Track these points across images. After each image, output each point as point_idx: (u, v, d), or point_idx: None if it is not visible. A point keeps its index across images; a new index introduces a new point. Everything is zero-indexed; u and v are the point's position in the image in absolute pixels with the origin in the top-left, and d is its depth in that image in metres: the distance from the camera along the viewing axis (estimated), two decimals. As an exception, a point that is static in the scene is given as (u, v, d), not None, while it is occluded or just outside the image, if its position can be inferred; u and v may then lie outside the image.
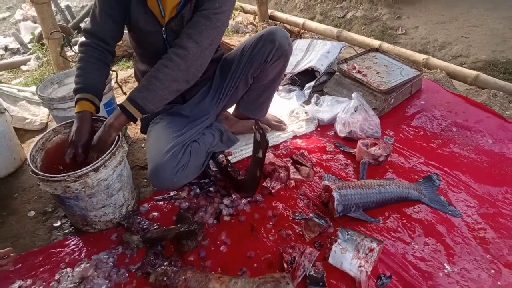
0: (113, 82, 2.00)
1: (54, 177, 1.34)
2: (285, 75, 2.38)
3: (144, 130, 1.83)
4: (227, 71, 1.77)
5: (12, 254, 1.02)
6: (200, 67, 1.52)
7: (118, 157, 1.46)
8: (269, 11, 3.74)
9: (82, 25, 4.78)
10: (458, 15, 4.12)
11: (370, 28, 4.29)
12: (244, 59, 1.70)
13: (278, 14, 3.71)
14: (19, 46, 5.22)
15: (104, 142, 1.44)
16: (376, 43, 2.77)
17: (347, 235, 1.39)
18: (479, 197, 1.62)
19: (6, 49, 5.35)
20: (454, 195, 1.64)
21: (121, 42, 3.05)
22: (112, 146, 1.43)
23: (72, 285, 1.34)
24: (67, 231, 1.59)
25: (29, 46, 4.78)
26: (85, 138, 1.45)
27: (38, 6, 2.26)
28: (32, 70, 3.53)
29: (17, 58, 4.08)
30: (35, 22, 6.31)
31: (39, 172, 1.37)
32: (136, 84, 1.84)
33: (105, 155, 1.39)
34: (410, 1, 4.45)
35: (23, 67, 3.71)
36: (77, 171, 1.35)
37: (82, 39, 1.59)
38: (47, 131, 1.59)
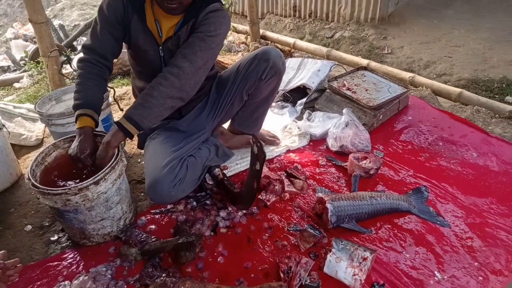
0: (110, 98, 2.05)
1: (55, 190, 1.37)
2: (277, 92, 2.45)
3: (141, 146, 1.86)
4: (223, 88, 1.83)
5: (19, 265, 1.04)
6: (194, 86, 1.58)
7: (117, 170, 1.49)
8: (261, 31, 3.86)
9: (75, 43, 4.85)
10: (441, 36, 4.30)
11: (358, 47, 4.43)
12: (240, 76, 1.77)
13: (270, 34, 3.83)
14: (9, 64, 5.24)
15: (103, 159, 1.48)
16: (364, 62, 2.88)
17: (341, 244, 1.43)
18: (466, 208, 1.69)
19: (-4, 67, 5.35)
20: (442, 206, 1.71)
21: (116, 60, 3.11)
22: (112, 160, 1.47)
23: (70, 298, 1.35)
24: (64, 244, 1.60)
25: (21, 63, 4.82)
26: (89, 151, 1.48)
27: (37, 25, 2.31)
28: (25, 87, 3.56)
29: (10, 75, 4.10)
30: (26, 41, 6.36)
31: (40, 186, 1.39)
32: (133, 100, 1.89)
33: (105, 168, 1.43)
34: (395, 23, 4.63)
35: (16, 85, 3.74)
36: (77, 185, 1.38)
37: (81, 55, 1.63)
38: (46, 146, 1.61)
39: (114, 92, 2.05)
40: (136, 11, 1.55)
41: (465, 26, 4.42)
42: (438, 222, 1.63)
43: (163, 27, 1.58)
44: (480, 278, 1.39)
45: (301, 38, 4.82)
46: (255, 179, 1.48)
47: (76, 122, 1.53)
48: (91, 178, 1.39)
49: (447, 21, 4.55)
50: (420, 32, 4.44)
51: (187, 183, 1.65)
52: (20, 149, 2.20)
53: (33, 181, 1.42)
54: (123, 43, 1.68)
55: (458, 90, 2.49)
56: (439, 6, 4.92)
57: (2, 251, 1.01)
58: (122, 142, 1.61)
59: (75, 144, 1.49)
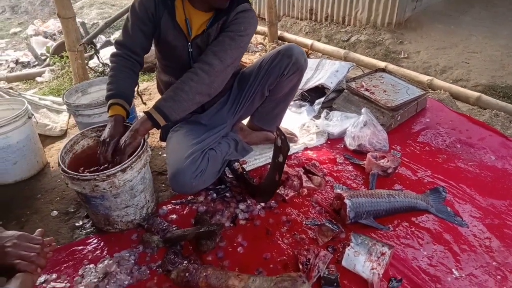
0: (134, 92, 2.10)
1: (84, 176, 1.42)
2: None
3: (163, 138, 1.91)
4: (245, 84, 1.87)
5: (53, 243, 1.08)
6: (221, 82, 1.65)
7: (143, 160, 1.54)
8: (278, 32, 3.90)
9: (95, 40, 4.95)
10: (458, 42, 4.29)
11: (374, 51, 4.44)
12: (262, 72, 1.81)
13: (287, 35, 3.87)
14: (29, 59, 5.38)
15: (129, 145, 1.53)
16: (382, 64, 2.90)
17: (360, 239, 1.46)
18: (484, 209, 1.70)
19: (17, 62, 5.50)
20: (460, 206, 1.72)
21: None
22: (138, 149, 1.52)
23: (95, 280, 1.40)
24: (88, 230, 1.65)
25: (42, 59, 4.94)
26: (118, 137, 1.53)
27: (64, 20, 2.38)
28: (48, 81, 3.66)
29: (33, 70, 4.21)
30: (46, 38, 6.51)
31: (70, 171, 1.45)
32: (154, 94, 1.95)
33: (132, 157, 1.48)
34: (411, 28, 4.63)
35: (38, 79, 3.84)
36: (106, 171, 1.42)
37: (114, 50, 1.70)
38: (75, 134, 1.67)
39: (138, 86, 2.11)
40: (166, 8, 1.60)
41: (483, 32, 4.41)
42: (456, 222, 1.64)
43: (193, 24, 1.63)
44: (499, 277, 1.40)
45: (317, 41, 4.86)
46: (277, 172, 1.51)
47: (108, 111, 1.58)
48: (118, 166, 1.44)
49: (464, 27, 4.54)
50: (437, 38, 4.44)
51: (208, 175, 1.69)
52: (45, 139, 2.27)
53: (63, 167, 1.47)
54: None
55: (476, 94, 2.50)
56: (457, 12, 4.91)
57: (40, 229, 1.06)
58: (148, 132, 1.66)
59: (106, 129, 1.54)
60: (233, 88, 1.91)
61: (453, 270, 1.43)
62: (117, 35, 5.67)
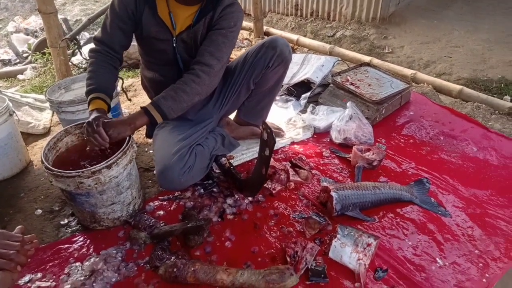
0: (119, 88, 2.08)
1: (69, 173, 1.40)
2: (282, 85, 2.50)
3: (149, 134, 1.90)
4: (230, 77, 1.87)
5: (35, 241, 1.07)
6: (218, 81, 1.68)
7: (128, 156, 1.53)
8: (264, 27, 3.90)
9: (78, 37, 4.86)
10: (441, 36, 4.35)
11: (359, 46, 4.47)
12: (247, 65, 1.81)
13: (273, 30, 3.88)
14: (10, 57, 5.26)
15: (119, 133, 1.48)
16: (367, 58, 2.93)
17: (346, 230, 1.48)
18: (466, 199, 1.74)
19: (-3, 60, 5.37)
20: (444, 197, 1.76)
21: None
22: (124, 145, 1.50)
23: (82, 278, 1.38)
24: (74, 228, 1.64)
25: (24, 56, 4.83)
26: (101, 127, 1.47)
27: (45, 15, 2.33)
28: (30, 79, 3.58)
29: (13, 67, 4.11)
30: (27, 35, 6.37)
31: (54, 169, 1.42)
32: (139, 91, 1.93)
33: (117, 153, 1.46)
34: (395, 23, 4.68)
35: (19, 76, 3.75)
36: (90, 168, 1.41)
37: (92, 46, 1.67)
38: (58, 131, 1.64)
39: (123, 82, 2.10)
40: (147, 4, 1.59)
41: (465, 27, 4.48)
42: (440, 212, 1.67)
43: (178, 19, 1.62)
44: (481, 264, 1.43)
45: (303, 36, 4.87)
46: (263, 165, 1.52)
47: (88, 105, 1.56)
48: (103, 162, 1.43)
49: (447, 22, 4.61)
50: (420, 32, 4.49)
51: (196, 171, 1.69)
52: (28, 137, 2.23)
53: (46, 164, 1.45)
54: (133, 36, 1.71)
55: (459, 87, 2.55)
56: (439, 7, 4.98)
57: (19, 226, 1.04)
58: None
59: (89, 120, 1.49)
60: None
61: (437, 259, 1.46)
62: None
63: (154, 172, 1.72)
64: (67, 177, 1.40)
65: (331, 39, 4.83)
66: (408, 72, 2.77)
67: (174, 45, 1.66)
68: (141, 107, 1.55)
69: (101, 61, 1.64)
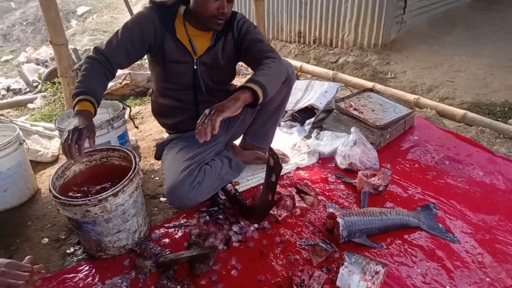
0: (126, 116, 2.12)
1: (76, 201, 1.41)
2: (286, 111, 2.53)
3: (159, 156, 1.91)
4: None
5: (43, 271, 1.07)
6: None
7: (134, 183, 1.54)
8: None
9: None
10: (443, 61, 4.42)
11: (361, 72, 4.55)
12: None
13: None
14: (21, 86, 5.40)
15: (225, 112, 1.44)
16: (369, 84, 2.97)
17: (354, 258, 1.46)
18: (475, 225, 1.72)
19: (8, 89, 5.52)
20: (451, 223, 1.74)
21: (129, 81, 3.22)
22: (130, 173, 1.52)
23: (87, 308, 1.37)
24: (80, 257, 1.63)
25: (34, 85, 4.96)
26: (91, 129, 1.41)
27: (57, 47, 2.42)
28: (39, 108, 3.66)
29: (24, 96, 4.22)
30: (38, 65, 6.57)
31: (61, 197, 1.44)
32: (150, 116, 1.98)
33: (123, 181, 1.48)
34: (397, 49, 4.77)
35: (29, 105, 3.85)
36: (97, 196, 1.42)
37: (91, 54, 1.65)
38: (66, 160, 1.66)
39: (130, 110, 2.13)
40: (168, 30, 1.67)
41: (466, 52, 4.55)
42: (448, 238, 1.65)
43: (197, 44, 1.71)
44: (493, 293, 1.40)
45: (306, 63, 4.97)
46: (270, 191, 1.52)
47: (74, 107, 1.48)
48: (110, 190, 1.44)
49: (447, 48, 4.69)
50: (422, 58, 4.57)
51: (204, 188, 1.71)
52: (36, 165, 2.26)
53: (54, 193, 1.46)
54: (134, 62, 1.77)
55: (462, 111, 2.57)
56: (440, 33, 5.08)
57: (29, 256, 1.05)
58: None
59: (75, 121, 1.40)
60: None
61: (447, 287, 1.43)
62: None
63: (163, 193, 1.73)
64: (74, 206, 1.41)
65: (334, 65, 4.92)
66: (411, 97, 2.80)
67: (195, 67, 1.73)
68: (239, 86, 1.55)
69: (96, 68, 1.61)
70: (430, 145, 2.30)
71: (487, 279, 1.45)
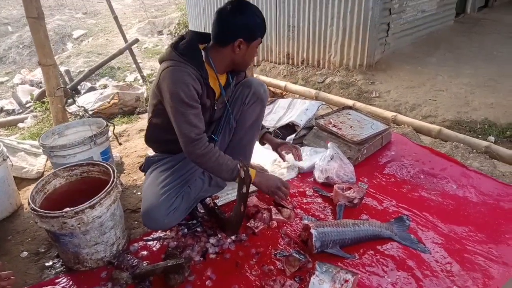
0: (110, 133, 2.18)
1: (53, 213, 1.46)
2: (268, 128, 2.60)
3: (144, 169, 1.96)
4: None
5: (12, 277, 1.10)
6: None
7: (112, 196, 1.59)
8: (255, 75, 4.10)
9: (79, 87, 5.10)
10: (426, 81, 4.55)
11: (347, 91, 4.66)
12: (228, 105, 1.92)
13: (262, 78, 4.08)
14: (14, 107, 5.48)
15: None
16: (350, 102, 3.07)
17: (324, 267, 1.50)
18: (446, 235, 1.77)
19: (1, 110, 5.59)
20: (423, 233, 1.79)
21: (117, 100, 3.30)
22: (108, 186, 1.57)
23: (61, 319, 1.39)
24: (58, 270, 1.65)
25: (27, 106, 5.03)
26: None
27: (45, 67, 2.50)
28: (29, 127, 3.72)
29: (16, 116, 4.29)
30: (32, 86, 6.66)
31: (38, 209, 1.48)
32: (135, 135, 2.02)
33: (100, 193, 1.53)
34: (381, 69, 4.90)
35: (20, 125, 3.91)
36: (74, 208, 1.46)
37: (197, 138, 1.67)
38: (47, 174, 1.72)
39: (114, 127, 2.19)
40: (205, 82, 1.70)
41: (448, 72, 4.69)
42: (419, 249, 1.69)
43: (215, 86, 1.79)
44: (458, 300, 1.44)
45: (295, 83, 5.09)
46: (242, 203, 1.57)
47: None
48: (87, 203, 1.49)
49: (430, 68, 4.83)
50: (405, 78, 4.70)
51: (180, 212, 1.75)
52: (21, 181, 2.30)
53: (33, 205, 1.51)
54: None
55: (437, 127, 2.65)
56: (423, 54, 5.24)
57: None
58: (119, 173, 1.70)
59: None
60: None
61: (416, 295, 1.47)
62: (102, 82, 5.85)
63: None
64: (51, 218, 1.45)
65: (321, 85, 5.04)
66: (389, 114, 2.90)
67: (215, 107, 1.83)
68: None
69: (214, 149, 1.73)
70: (406, 160, 2.37)
71: (454, 287, 1.50)
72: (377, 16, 4.55)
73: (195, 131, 1.66)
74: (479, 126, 3.66)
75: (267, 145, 2.51)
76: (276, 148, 2.13)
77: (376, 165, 2.34)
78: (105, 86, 5.00)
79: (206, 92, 1.73)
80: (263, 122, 2.53)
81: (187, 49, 1.67)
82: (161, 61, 1.72)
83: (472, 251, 1.67)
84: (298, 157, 2.07)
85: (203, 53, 1.72)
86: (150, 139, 1.97)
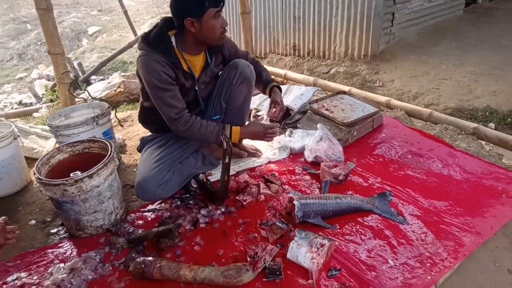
0: (112, 114, 2.33)
1: (55, 181, 1.61)
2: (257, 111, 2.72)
3: (140, 149, 2.11)
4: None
5: (17, 232, 1.25)
6: None
7: (109, 168, 1.73)
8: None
9: (91, 79, 5.31)
10: (430, 70, 4.57)
11: (351, 81, 4.73)
12: (217, 86, 2.07)
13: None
14: (32, 101, 5.75)
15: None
16: (346, 88, 3.14)
17: (304, 234, 1.60)
18: (425, 209, 1.84)
19: (20, 103, 5.88)
20: (404, 207, 1.87)
21: (123, 89, 3.47)
22: (105, 159, 1.71)
23: (62, 276, 1.54)
24: (62, 236, 1.81)
25: (42, 98, 5.28)
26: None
27: (54, 56, 2.67)
28: (43, 116, 3.93)
29: (31, 107, 4.51)
30: (48, 80, 6.94)
31: (42, 178, 1.64)
32: (138, 120, 2.18)
33: (98, 164, 1.67)
34: (386, 59, 4.94)
35: (35, 114, 4.12)
36: (73, 177, 1.61)
37: (177, 118, 1.83)
38: (51, 149, 1.87)
39: (116, 110, 2.34)
40: (177, 66, 1.84)
41: (452, 61, 4.70)
42: (398, 220, 1.78)
43: (194, 67, 1.92)
44: (428, 264, 1.52)
45: (300, 73, 5.18)
46: (225, 172, 1.69)
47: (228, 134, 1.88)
48: (85, 172, 1.63)
49: (435, 57, 4.84)
50: (410, 67, 4.73)
51: (171, 185, 1.89)
52: (32, 161, 2.47)
53: (38, 175, 1.66)
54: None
55: (428, 110, 2.71)
56: (429, 44, 5.24)
57: (3, 217, 1.23)
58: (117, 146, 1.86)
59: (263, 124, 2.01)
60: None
61: (389, 260, 1.56)
62: (114, 76, 6.06)
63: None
64: (53, 185, 1.60)
65: (325, 75, 5.11)
66: (383, 99, 2.96)
67: (196, 88, 1.96)
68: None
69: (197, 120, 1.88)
70: (396, 141, 2.44)
71: (426, 253, 1.58)
72: (380, 5, 4.58)
73: (174, 111, 1.82)
74: (480, 114, 3.69)
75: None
76: (272, 101, 2.18)
77: (366, 146, 2.42)
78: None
79: (182, 74, 1.86)
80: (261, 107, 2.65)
81: (155, 38, 1.82)
82: (137, 50, 1.89)
83: (448, 223, 1.74)
84: (272, 114, 2.09)
85: (173, 40, 1.84)
86: (143, 120, 2.13)
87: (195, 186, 2.01)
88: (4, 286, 1.52)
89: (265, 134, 1.99)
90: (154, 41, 1.80)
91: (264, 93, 2.24)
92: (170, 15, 1.83)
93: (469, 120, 3.50)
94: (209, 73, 1.98)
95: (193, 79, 1.92)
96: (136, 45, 5.70)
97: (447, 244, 1.62)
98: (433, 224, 1.74)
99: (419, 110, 2.75)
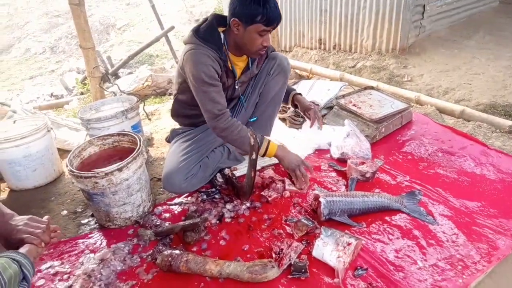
0: (141, 108, 2.37)
1: (86, 174, 1.65)
2: (289, 108, 2.69)
3: (169, 140, 2.14)
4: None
5: (58, 231, 1.30)
6: None
7: (138, 162, 1.76)
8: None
9: (122, 71, 5.42)
10: (461, 64, 4.40)
11: (378, 76, 4.61)
12: (253, 78, 2.07)
13: (290, 61, 4.12)
14: (63, 93, 5.94)
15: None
16: (373, 82, 3.07)
17: (330, 231, 1.59)
18: (456, 209, 1.79)
19: (52, 95, 6.07)
20: (434, 207, 1.82)
21: (151, 83, 3.52)
22: (134, 152, 1.74)
23: (92, 266, 1.59)
24: (92, 226, 1.87)
25: (73, 90, 5.44)
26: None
27: (85, 50, 2.74)
28: (73, 108, 4.05)
29: (62, 99, 4.66)
30: (78, 73, 7.13)
31: (75, 170, 1.69)
32: (165, 114, 2.21)
33: (127, 158, 1.70)
34: (415, 53, 4.79)
35: (66, 107, 4.25)
36: (104, 169, 1.65)
37: (219, 116, 1.82)
38: (83, 142, 1.93)
39: (144, 104, 2.38)
40: (224, 63, 1.84)
41: (486, 55, 4.50)
42: (427, 220, 1.73)
43: (237, 68, 1.94)
44: (459, 267, 1.48)
45: (326, 67, 5.10)
46: (252, 168, 1.69)
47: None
48: (115, 165, 1.67)
49: (467, 51, 4.65)
50: (440, 61, 4.56)
51: (197, 179, 1.91)
52: (64, 152, 2.55)
53: (70, 167, 1.71)
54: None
55: (460, 107, 2.61)
56: (461, 37, 5.04)
57: (47, 216, 1.28)
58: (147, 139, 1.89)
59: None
60: None
61: (418, 261, 1.53)
62: (142, 69, 6.17)
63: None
64: (85, 178, 1.65)
65: (352, 69, 5.01)
66: (412, 94, 2.88)
67: (236, 87, 1.98)
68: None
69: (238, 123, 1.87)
70: (426, 138, 2.37)
71: (457, 255, 1.53)
72: (411, -2, 4.43)
73: (218, 107, 1.80)
74: (515, 110, 3.53)
75: (288, 124, 2.63)
76: (303, 110, 2.18)
77: (394, 143, 2.37)
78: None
79: (226, 72, 1.86)
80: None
81: (206, 33, 1.80)
82: (184, 43, 1.87)
83: (481, 224, 1.68)
84: (313, 123, 2.11)
85: (222, 36, 1.83)
86: (175, 114, 2.14)
87: (220, 180, 2.02)
88: (38, 273, 1.59)
89: (296, 170, 1.90)
90: (206, 36, 1.79)
91: (287, 101, 2.24)
92: (196, 16, 1.85)
93: (503, 116, 3.36)
94: (249, 75, 2.01)
95: (233, 79, 1.94)
96: (163, 39, 5.78)
97: (480, 247, 1.57)
98: (464, 225, 1.69)
99: (451, 106, 2.66)
